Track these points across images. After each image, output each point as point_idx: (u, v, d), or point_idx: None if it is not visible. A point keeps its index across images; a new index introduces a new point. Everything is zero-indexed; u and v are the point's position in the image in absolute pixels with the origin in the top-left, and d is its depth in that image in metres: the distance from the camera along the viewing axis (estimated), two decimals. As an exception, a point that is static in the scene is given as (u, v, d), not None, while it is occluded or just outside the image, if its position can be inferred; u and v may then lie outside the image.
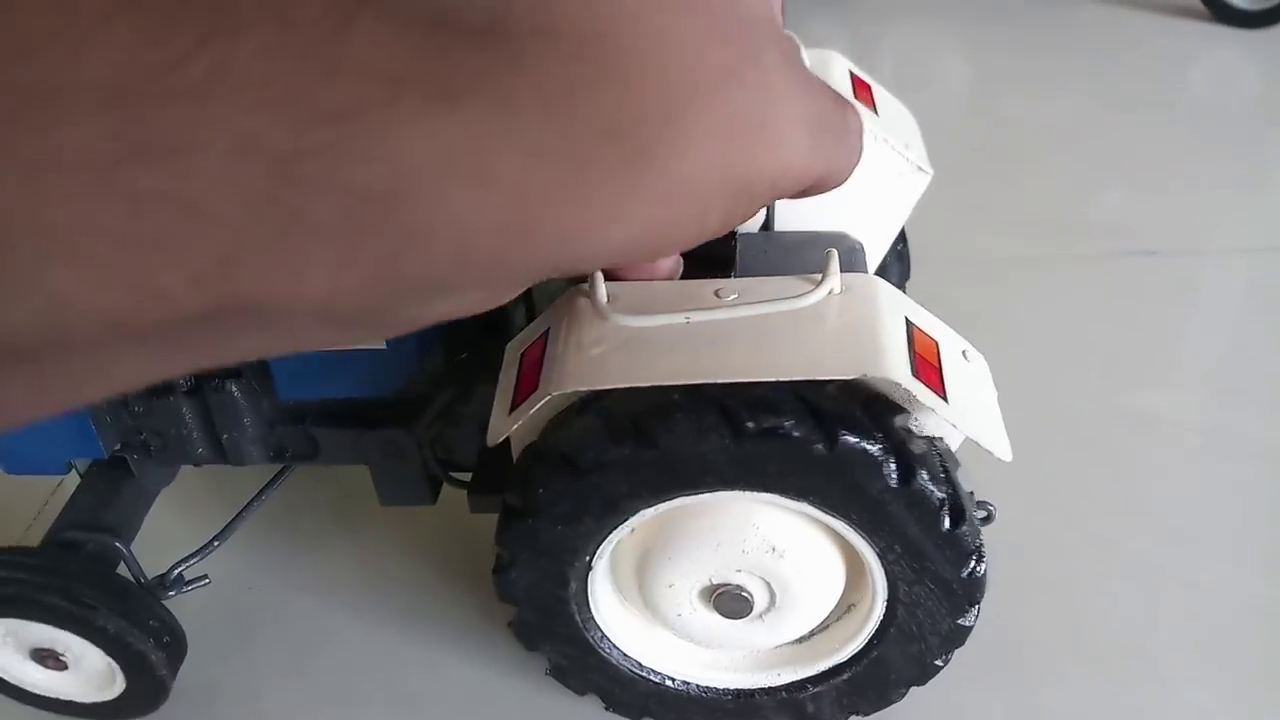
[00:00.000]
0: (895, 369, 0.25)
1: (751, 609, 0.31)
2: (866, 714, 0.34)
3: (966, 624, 0.31)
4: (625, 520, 0.29)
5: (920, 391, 0.26)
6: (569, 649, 0.33)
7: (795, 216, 0.34)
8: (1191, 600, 0.38)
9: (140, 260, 0.13)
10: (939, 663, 0.32)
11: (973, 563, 0.30)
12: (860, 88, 0.36)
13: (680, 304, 0.27)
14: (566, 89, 0.16)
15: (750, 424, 0.26)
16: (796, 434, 0.26)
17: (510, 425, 0.28)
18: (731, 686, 0.34)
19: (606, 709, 0.35)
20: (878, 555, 0.29)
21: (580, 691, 0.34)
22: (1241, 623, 0.37)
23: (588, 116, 0.16)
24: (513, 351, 0.30)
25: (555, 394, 0.27)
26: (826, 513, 0.28)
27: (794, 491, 0.28)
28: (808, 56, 0.35)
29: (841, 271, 0.29)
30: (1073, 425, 0.46)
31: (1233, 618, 0.38)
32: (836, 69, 0.36)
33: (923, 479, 0.27)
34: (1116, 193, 0.64)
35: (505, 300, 0.19)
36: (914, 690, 0.35)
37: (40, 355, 0.13)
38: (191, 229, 0.13)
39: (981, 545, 0.30)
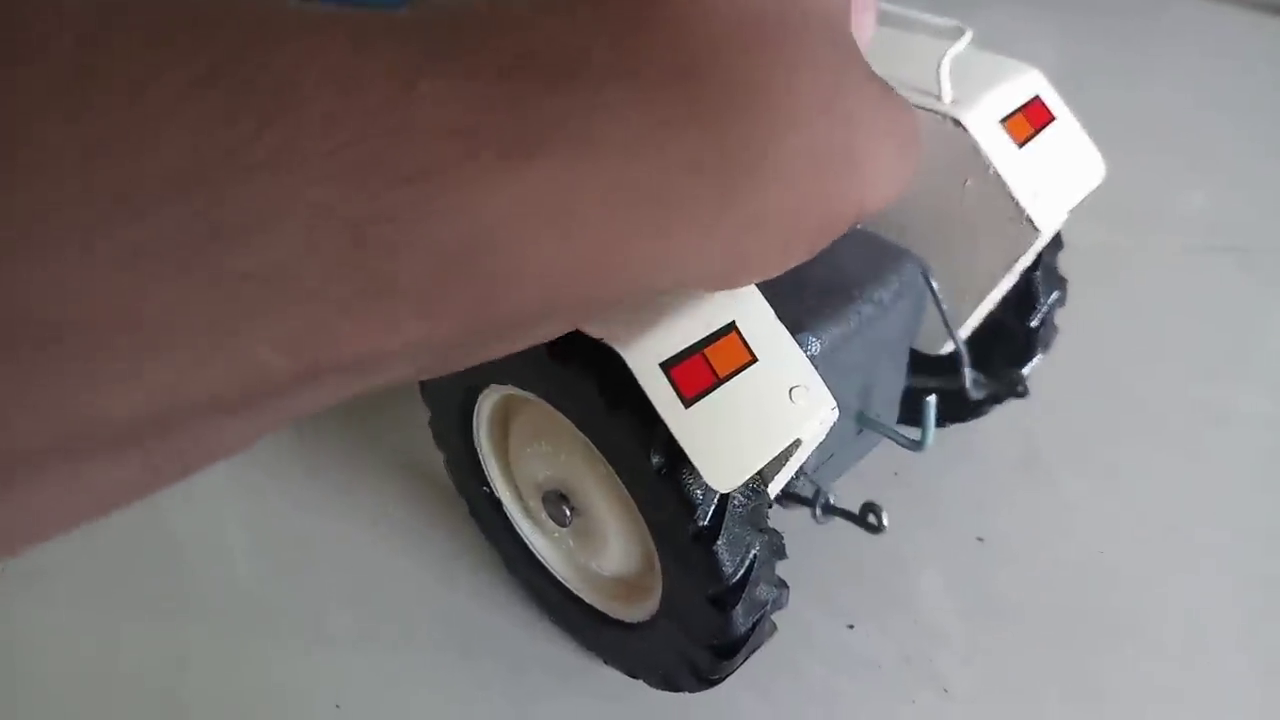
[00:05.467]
0: (638, 350, 0.24)
1: (568, 522, 0.32)
2: (650, 683, 0.34)
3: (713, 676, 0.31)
4: (479, 393, 0.33)
5: (649, 382, 0.24)
6: (477, 495, 0.37)
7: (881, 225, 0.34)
8: (1258, 595, 0.38)
9: (233, 339, 0.13)
10: (688, 687, 0.32)
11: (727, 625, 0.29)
12: (1035, 116, 0.33)
13: None
14: (650, 129, 0.15)
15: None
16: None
17: None
18: (558, 577, 0.36)
19: (506, 565, 0.39)
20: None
21: (488, 540, 0.39)
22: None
23: (673, 153, 0.16)
24: None
25: None
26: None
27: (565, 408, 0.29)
28: (1002, 65, 0.33)
29: (896, 288, 0.31)
30: (1147, 416, 0.45)
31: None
32: (1021, 87, 0.33)
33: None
34: (1202, 188, 0.62)
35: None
36: (969, 661, 0.35)
37: (143, 440, 0.14)
38: (278, 301, 0.13)
39: (749, 623, 0.29)
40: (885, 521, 0.30)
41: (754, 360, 0.26)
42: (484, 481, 0.36)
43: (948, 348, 0.36)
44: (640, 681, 0.35)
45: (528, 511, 0.37)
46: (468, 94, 0.14)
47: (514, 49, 0.15)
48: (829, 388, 0.28)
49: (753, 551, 0.28)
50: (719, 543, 0.27)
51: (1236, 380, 0.47)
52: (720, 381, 0.25)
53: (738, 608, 0.28)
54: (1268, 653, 0.36)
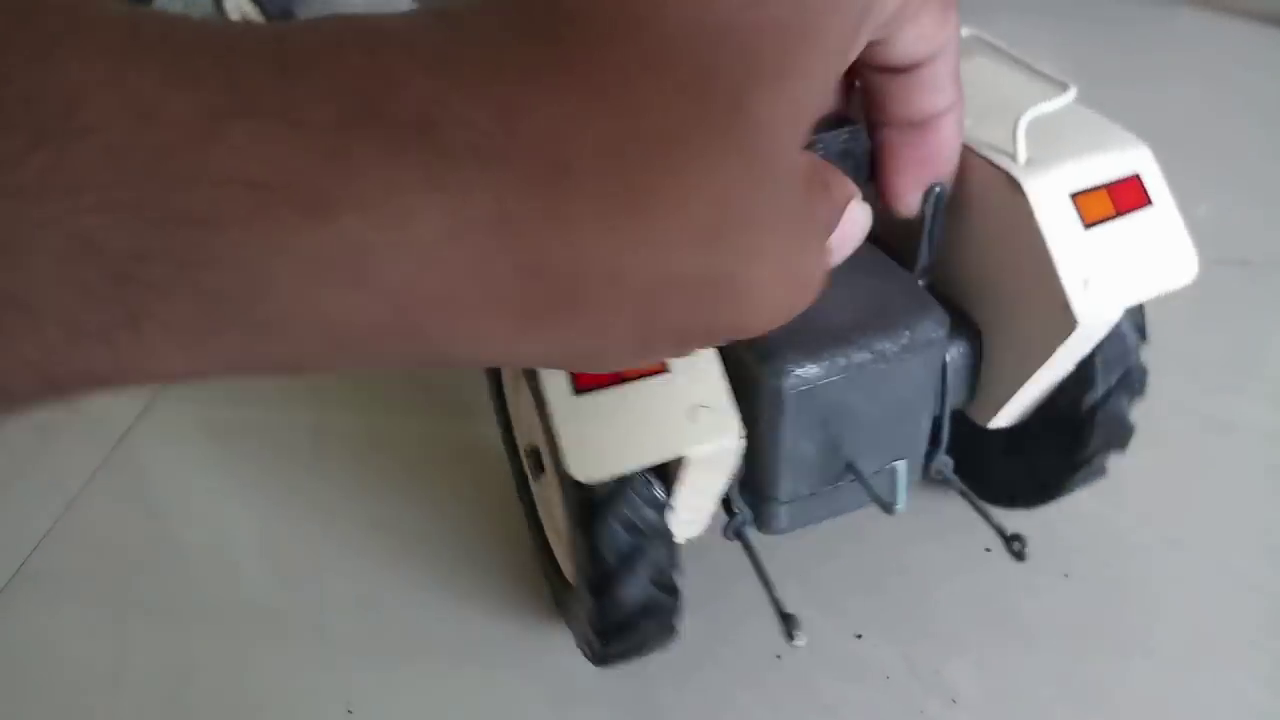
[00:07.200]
0: None
1: (538, 479, 0.34)
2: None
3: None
4: None
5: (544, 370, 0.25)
6: (513, 453, 0.40)
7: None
8: (1265, 607, 0.38)
9: None
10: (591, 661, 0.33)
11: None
12: (1124, 196, 0.30)
13: None
14: (492, 220, 0.14)
15: None
16: None
17: None
18: (546, 532, 0.38)
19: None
20: None
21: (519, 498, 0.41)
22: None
23: (510, 255, 0.15)
24: None
25: None
26: None
27: None
28: (1108, 134, 0.31)
29: (905, 342, 0.30)
30: (1152, 427, 0.45)
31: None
32: (1117, 162, 0.30)
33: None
34: (1208, 199, 0.63)
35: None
36: (976, 671, 0.36)
37: None
38: (25, 324, 0.13)
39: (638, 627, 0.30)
40: (798, 640, 0.31)
41: (665, 370, 0.26)
42: (510, 434, 0.39)
43: (999, 422, 0.35)
44: (654, 692, 0.35)
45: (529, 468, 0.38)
46: (282, 145, 0.13)
47: (368, 98, 0.14)
48: (802, 425, 0.29)
49: (630, 548, 0.29)
50: (595, 529, 0.28)
51: (1242, 393, 0.47)
52: (622, 381, 0.26)
53: (607, 598, 0.29)
54: (1276, 664, 0.36)
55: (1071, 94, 0.30)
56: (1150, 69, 0.80)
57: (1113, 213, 0.29)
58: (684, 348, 0.19)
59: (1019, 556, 0.34)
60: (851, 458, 0.32)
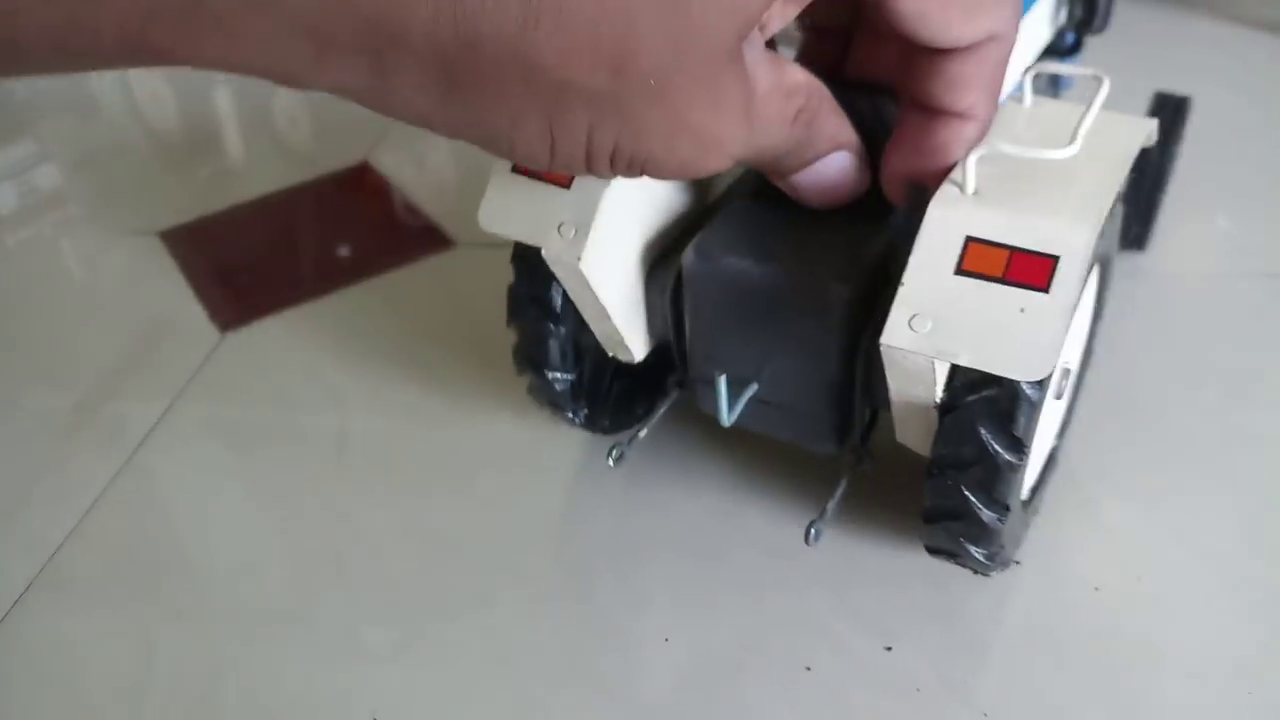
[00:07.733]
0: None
1: None
2: None
3: None
4: None
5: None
6: None
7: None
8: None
9: (77, 3, 0.17)
10: None
11: None
12: (1025, 269, 0.28)
13: None
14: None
15: None
16: None
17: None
18: None
19: None
20: None
21: None
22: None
23: (465, 12, 0.19)
24: None
25: None
26: None
27: None
28: (1072, 204, 0.29)
29: (800, 292, 0.32)
30: (1186, 441, 0.45)
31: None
32: (1046, 235, 0.28)
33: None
34: (1231, 212, 0.62)
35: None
36: (1007, 685, 0.35)
37: None
38: None
39: None
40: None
41: (567, 186, 0.32)
42: None
43: (899, 438, 0.35)
44: (687, 699, 0.35)
45: None
46: None
47: None
48: (701, 306, 0.34)
49: (529, 292, 0.37)
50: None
51: (1271, 405, 0.47)
52: (541, 180, 0.33)
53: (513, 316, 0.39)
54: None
55: (1059, 154, 0.29)
56: (1172, 79, 0.79)
57: (999, 275, 0.27)
58: (593, 165, 0.23)
59: (807, 538, 0.36)
60: (732, 375, 0.35)
